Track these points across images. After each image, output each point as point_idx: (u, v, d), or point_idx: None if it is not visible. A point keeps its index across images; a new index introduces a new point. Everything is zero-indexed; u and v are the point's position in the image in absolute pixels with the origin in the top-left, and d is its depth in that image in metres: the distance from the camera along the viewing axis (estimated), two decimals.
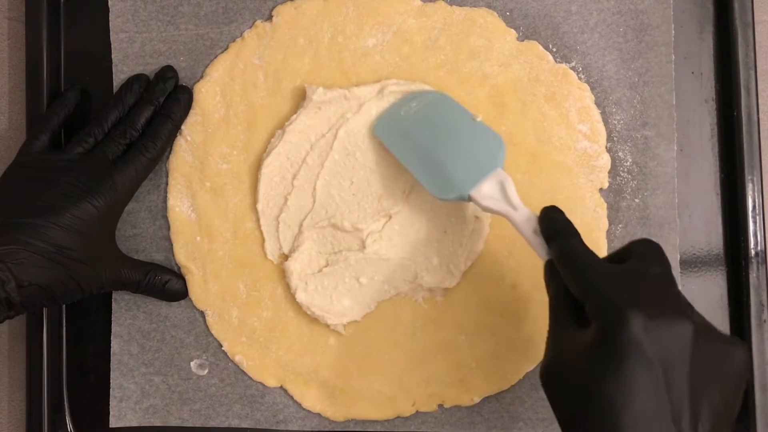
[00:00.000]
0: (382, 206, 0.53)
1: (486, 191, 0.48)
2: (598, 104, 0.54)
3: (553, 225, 0.44)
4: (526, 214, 0.46)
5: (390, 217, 0.53)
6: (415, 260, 0.53)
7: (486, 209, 0.48)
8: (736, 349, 0.38)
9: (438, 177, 0.50)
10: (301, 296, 0.53)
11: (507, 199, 0.47)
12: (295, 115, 0.53)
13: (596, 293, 0.39)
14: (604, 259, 0.43)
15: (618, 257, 0.42)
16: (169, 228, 0.55)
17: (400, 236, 0.53)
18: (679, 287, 0.52)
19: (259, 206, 0.54)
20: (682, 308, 0.38)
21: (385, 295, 0.53)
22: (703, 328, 0.38)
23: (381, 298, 0.53)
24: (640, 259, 0.40)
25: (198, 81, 0.55)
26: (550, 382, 0.40)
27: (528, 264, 0.52)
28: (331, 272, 0.53)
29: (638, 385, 0.36)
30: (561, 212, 0.45)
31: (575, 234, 0.43)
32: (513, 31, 0.54)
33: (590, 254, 0.41)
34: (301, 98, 0.54)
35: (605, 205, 0.53)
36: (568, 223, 0.44)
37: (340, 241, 0.53)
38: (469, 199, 0.48)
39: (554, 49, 0.54)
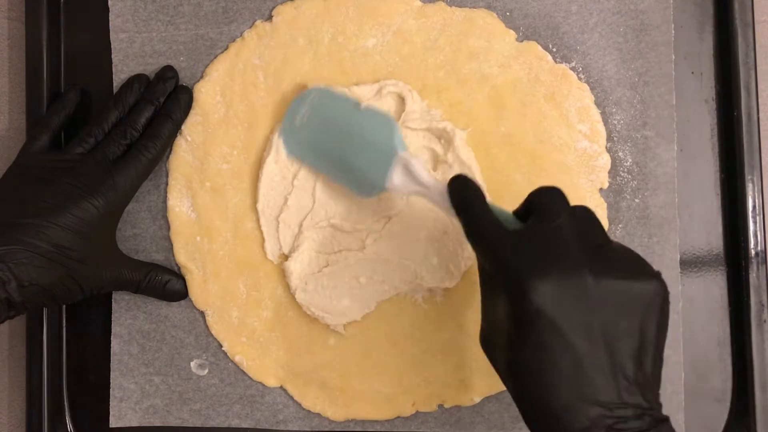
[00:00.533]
0: (382, 207, 0.53)
1: (397, 180, 0.48)
2: (598, 104, 0.54)
3: (458, 197, 0.45)
4: (439, 189, 0.46)
5: (390, 217, 0.53)
6: (415, 260, 0.53)
7: (408, 195, 0.48)
8: (646, 284, 0.39)
9: (355, 178, 0.51)
10: (300, 296, 0.53)
11: (417, 179, 0.47)
12: None
13: (498, 268, 0.40)
14: (514, 212, 0.44)
15: (524, 210, 0.43)
16: (169, 228, 0.55)
17: (400, 236, 0.53)
18: (679, 287, 0.53)
19: (260, 206, 0.54)
20: (579, 261, 0.38)
21: (385, 295, 0.53)
22: (605, 271, 0.38)
23: (381, 298, 0.53)
24: (541, 214, 0.41)
25: (198, 81, 0.55)
26: (485, 349, 0.43)
27: None
28: (331, 272, 0.53)
29: (554, 352, 0.37)
30: (466, 180, 0.45)
31: (476, 204, 0.43)
32: (512, 32, 0.54)
33: (490, 223, 0.42)
34: None
35: (605, 205, 0.53)
36: (473, 191, 0.44)
37: (340, 241, 0.53)
38: (390, 191, 0.49)
39: (554, 49, 0.54)
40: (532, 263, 0.38)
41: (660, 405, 0.39)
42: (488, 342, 0.42)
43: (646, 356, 0.38)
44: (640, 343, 0.38)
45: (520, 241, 0.40)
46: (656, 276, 0.39)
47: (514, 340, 0.38)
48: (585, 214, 0.42)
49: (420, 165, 0.48)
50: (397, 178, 0.48)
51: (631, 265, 0.40)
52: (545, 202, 0.42)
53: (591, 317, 0.38)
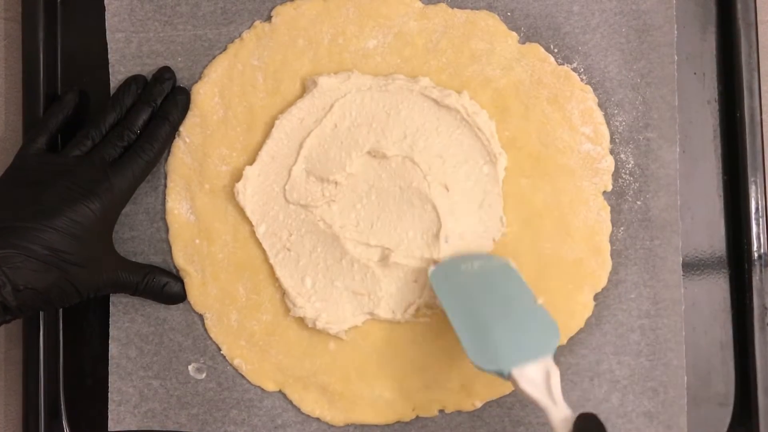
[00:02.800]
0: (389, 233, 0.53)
1: (530, 375, 0.45)
2: (600, 106, 0.54)
3: None
4: (564, 413, 0.44)
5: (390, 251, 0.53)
6: (420, 274, 0.52)
7: (523, 393, 0.45)
8: None
9: (481, 343, 0.48)
10: (299, 312, 0.52)
11: (549, 391, 0.45)
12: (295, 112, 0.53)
13: None
14: None
15: None
16: (167, 230, 0.55)
17: (404, 251, 0.52)
18: (681, 290, 0.53)
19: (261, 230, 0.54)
20: None
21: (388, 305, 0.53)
22: None
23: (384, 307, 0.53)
24: None
25: (196, 82, 0.55)
26: None
27: (529, 270, 0.51)
28: (331, 285, 0.53)
29: None
30: (598, 424, 0.43)
31: None
32: (514, 33, 0.54)
33: None
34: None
35: (608, 208, 0.53)
36: None
37: (342, 253, 0.53)
38: (509, 377, 0.46)
39: (556, 50, 0.54)
40: None
41: None
42: None
43: None
44: None
45: None
46: None
47: None
48: None
49: (559, 380, 0.45)
50: (532, 372, 0.45)
51: None
52: None
53: None
